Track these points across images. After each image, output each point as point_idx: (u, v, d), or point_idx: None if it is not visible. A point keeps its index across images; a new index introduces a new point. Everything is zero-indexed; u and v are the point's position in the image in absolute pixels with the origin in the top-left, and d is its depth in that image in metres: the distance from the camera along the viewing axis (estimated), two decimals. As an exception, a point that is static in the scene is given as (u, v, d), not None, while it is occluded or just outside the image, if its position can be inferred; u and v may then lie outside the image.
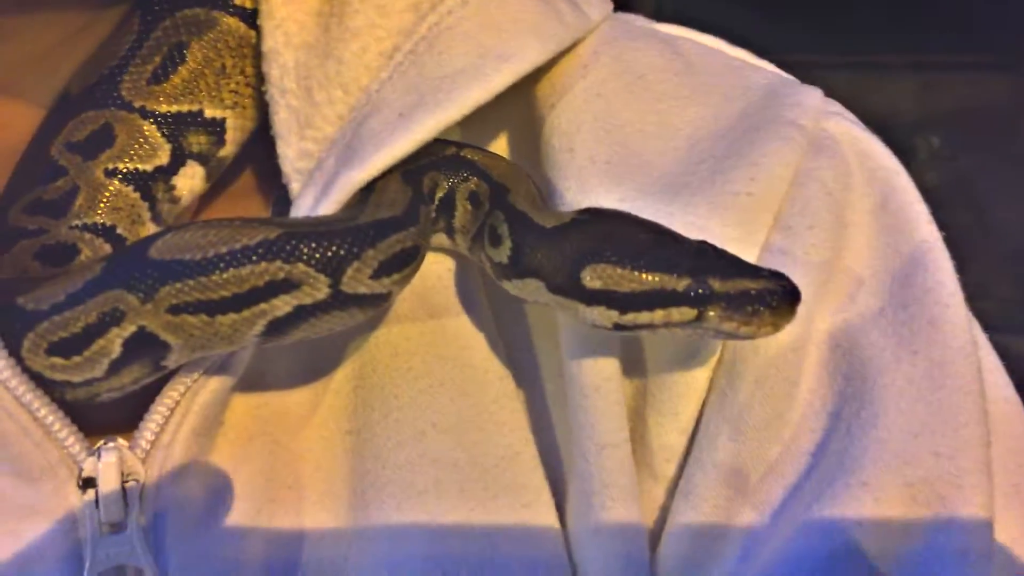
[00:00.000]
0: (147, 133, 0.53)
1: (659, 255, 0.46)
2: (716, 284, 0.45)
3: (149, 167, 0.53)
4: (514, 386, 0.54)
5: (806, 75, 0.59)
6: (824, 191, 0.52)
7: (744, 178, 0.52)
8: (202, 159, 0.54)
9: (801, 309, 0.48)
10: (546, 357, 0.55)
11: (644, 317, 0.46)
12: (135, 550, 0.46)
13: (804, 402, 0.50)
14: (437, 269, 0.54)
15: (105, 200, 0.52)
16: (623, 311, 0.46)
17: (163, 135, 0.53)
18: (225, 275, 0.42)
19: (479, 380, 0.53)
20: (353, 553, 0.51)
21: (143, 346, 0.44)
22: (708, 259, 0.46)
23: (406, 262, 0.46)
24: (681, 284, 0.45)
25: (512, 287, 0.49)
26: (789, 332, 0.49)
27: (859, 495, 0.46)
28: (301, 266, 0.43)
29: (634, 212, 0.50)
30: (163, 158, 0.53)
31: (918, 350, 0.49)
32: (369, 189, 0.48)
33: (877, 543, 0.45)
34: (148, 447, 0.47)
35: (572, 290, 0.47)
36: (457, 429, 0.52)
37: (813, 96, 0.56)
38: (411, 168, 0.50)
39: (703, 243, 0.47)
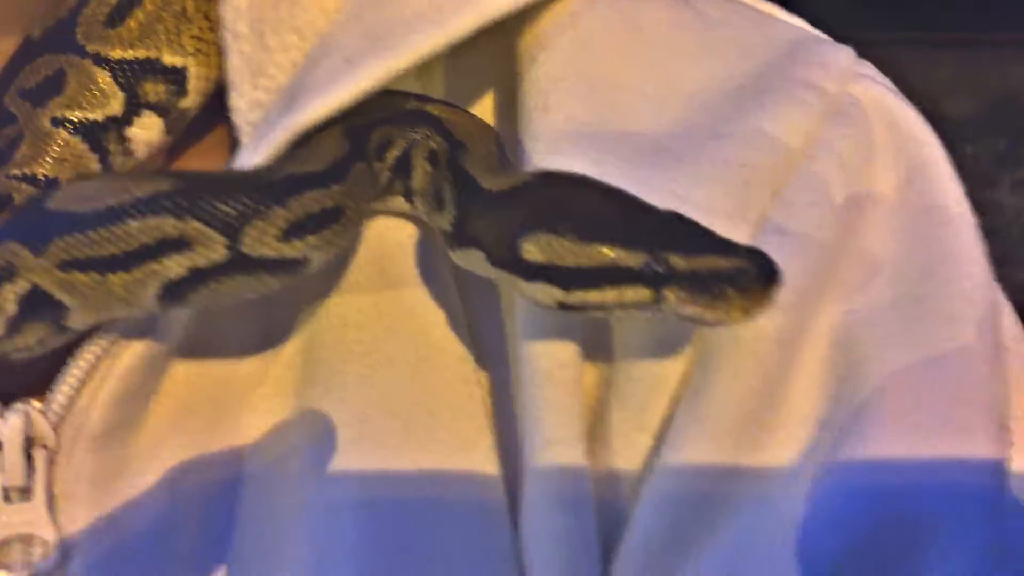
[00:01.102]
0: (99, 80, 0.50)
1: (613, 225, 0.40)
2: (677, 260, 0.39)
3: (99, 116, 0.50)
4: (474, 368, 0.49)
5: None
6: (838, 164, 0.45)
7: (740, 146, 0.45)
8: (161, 110, 0.51)
9: (793, 297, 0.42)
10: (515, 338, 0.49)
11: (592, 296, 0.40)
12: (40, 519, 0.43)
13: (792, 406, 0.43)
14: (397, 236, 0.49)
15: (50, 150, 0.49)
16: (567, 288, 0.40)
17: (117, 83, 0.50)
18: (112, 230, 0.38)
19: (434, 360, 0.48)
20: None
21: (39, 305, 0.41)
22: (673, 232, 0.40)
23: (325, 224, 0.41)
24: (635, 259, 0.39)
25: (457, 257, 0.44)
26: (776, 322, 0.42)
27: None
28: (194, 223, 0.39)
29: (605, 179, 0.44)
30: (116, 107, 0.50)
31: (927, 350, 0.41)
32: (305, 144, 0.43)
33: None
34: (62, 412, 0.44)
35: (512, 263, 0.41)
36: (405, 412, 0.47)
37: (842, 56, 0.49)
38: (360, 122, 0.45)
39: (674, 214, 0.41)
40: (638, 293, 0.39)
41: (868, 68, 0.49)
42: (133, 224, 0.38)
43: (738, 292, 0.38)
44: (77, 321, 0.42)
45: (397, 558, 0.45)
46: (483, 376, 0.49)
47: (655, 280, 0.39)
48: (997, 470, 0.41)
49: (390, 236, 0.49)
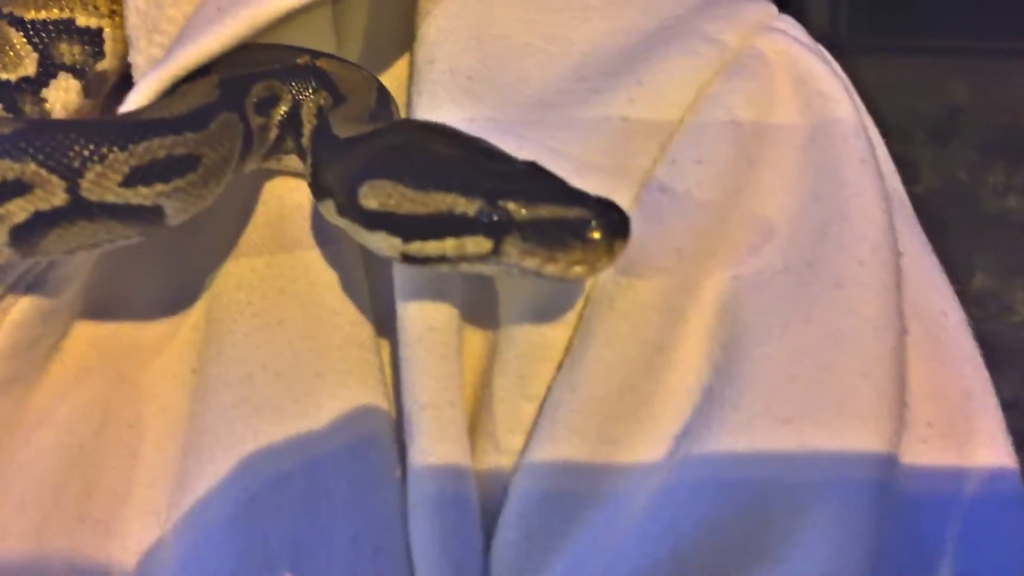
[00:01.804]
0: (13, 41, 0.50)
1: (454, 172, 0.38)
2: (516, 208, 0.37)
3: (12, 77, 0.50)
4: (372, 334, 0.47)
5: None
6: (728, 119, 0.42)
7: (622, 99, 0.43)
8: (77, 72, 0.51)
9: (675, 259, 0.39)
10: None
11: (432, 247, 0.38)
12: None
13: (674, 376, 0.41)
14: (297, 196, 0.49)
15: None
16: (407, 238, 0.38)
17: (31, 43, 0.51)
18: None
19: (326, 322, 0.47)
20: (171, 507, 0.46)
21: None
22: (521, 181, 0.38)
23: (177, 172, 0.41)
24: (472, 207, 0.37)
25: (321, 209, 0.43)
26: (655, 287, 0.40)
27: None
28: (32, 166, 0.38)
29: (483, 134, 0.42)
30: (29, 68, 0.51)
31: (812, 317, 0.38)
32: (175, 92, 0.43)
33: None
34: None
35: (353, 211, 0.40)
36: (290, 375, 0.46)
37: (753, 8, 0.46)
38: (241, 74, 0.44)
39: (530, 164, 0.39)
40: (478, 244, 0.37)
41: (784, 22, 0.46)
42: None
43: (580, 244, 0.36)
44: None
45: (274, 527, 0.44)
46: (385, 344, 0.48)
47: (494, 229, 0.37)
48: (880, 460, 0.37)
49: (289, 197, 0.49)
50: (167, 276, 0.49)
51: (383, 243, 0.39)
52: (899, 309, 0.39)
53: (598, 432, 0.41)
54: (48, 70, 0.51)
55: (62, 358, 0.47)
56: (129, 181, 0.40)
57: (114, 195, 0.40)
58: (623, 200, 0.42)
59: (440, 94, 0.45)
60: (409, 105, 0.46)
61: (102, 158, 0.39)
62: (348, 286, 0.48)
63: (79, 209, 0.39)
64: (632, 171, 0.42)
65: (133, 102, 0.42)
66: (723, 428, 0.38)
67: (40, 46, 0.51)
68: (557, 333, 0.43)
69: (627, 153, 0.42)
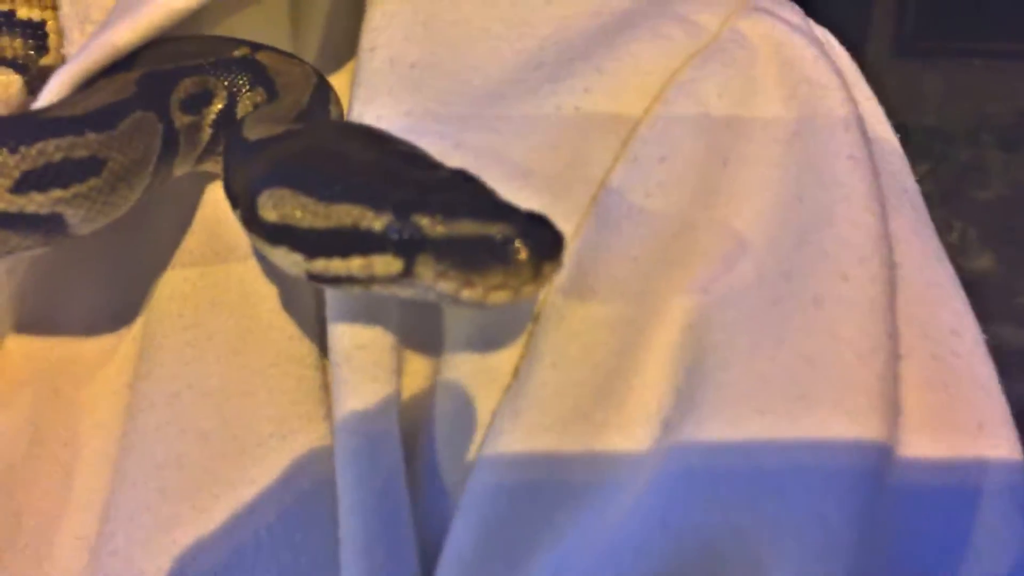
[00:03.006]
0: None
1: (363, 181, 0.33)
2: (429, 224, 0.31)
3: None
4: (312, 350, 0.43)
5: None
6: (699, 111, 0.37)
7: (577, 88, 0.38)
8: (19, 67, 0.48)
9: (634, 275, 0.34)
10: None
11: (337, 266, 0.33)
12: None
13: (633, 401, 0.35)
14: None
15: None
16: (309, 255, 0.34)
17: None
18: None
19: (259, 337, 0.43)
20: (99, 534, 0.42)
21: None
22: (440, 191, 0.33)
23: (77, 176, 0.37)
24: (379, 221, 0.32)
25: (237, 221, 0.39)
26: (610, 304, 0.35)
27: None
28: None
29: (421, 128, 0.37)
30: None
31: (785, 338, 0.33)
32: (87, 89, 0.39)
33: None
34: None
35: (254, 223, 0.35)
36: (219, 394, 0.42)
37: None
38: (166, 68, 0.40)
39: (457, 173, 0.34)
40: (387, 263, 0.32)
41: (775, 2, 0.41)
42: None
43: (502, 265, 0.30)
44: None
45: (191, 561, 0.40)
46: (327, 362, 0.43)
47: (405, 247, 0.32)
48: (864, 505, 0.31)
49: (226, 203, 0.45)
50: (108, 285, 0.46)
51: (286, 260, 0.35)
52: (891, 330, 0.33)
53: (547, 457, 0.35)
54: None
55: None
56: (21, 187, 0.36)
57: (4, 202, 0.36)
58: (574, 206, 0.37)
59: (378, 85, 0.40)
60: (350, 100, 0.41)
61: None
62: (288, 298, 0.44)
63: None
64: (587, 172, 0.37)
65: (45, 99, 0.39)
66: (684, 433, 0.33)
67: None
68: (504, 356, 0.38)
69: (581, 151, 0.37)
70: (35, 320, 0.44)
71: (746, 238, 0.36)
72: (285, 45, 0.47)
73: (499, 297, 0.31)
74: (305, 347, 0.43)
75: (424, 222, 0.31)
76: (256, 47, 0.43)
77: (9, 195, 0.36)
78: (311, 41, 0.48)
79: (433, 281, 0.32)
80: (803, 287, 0.34)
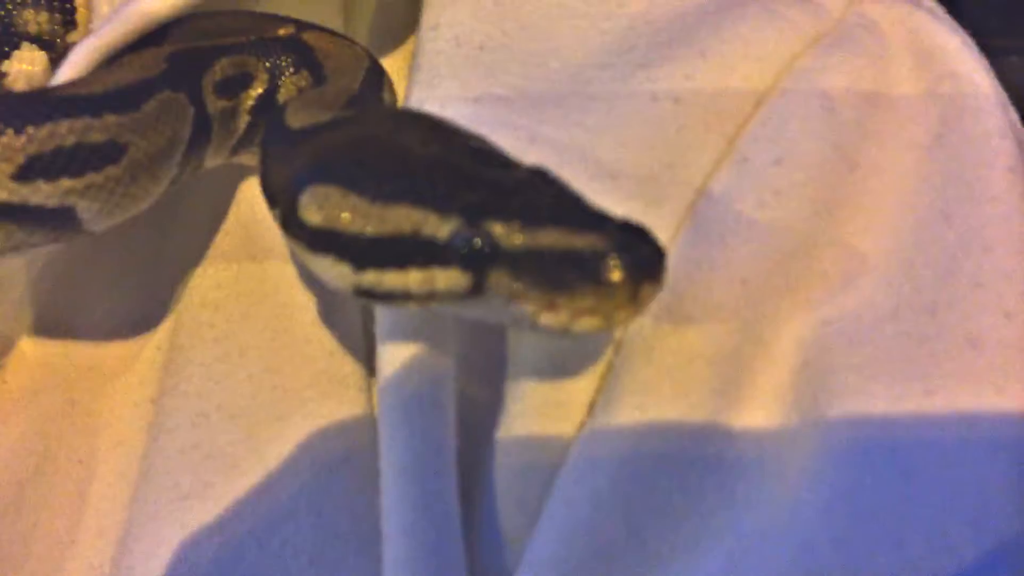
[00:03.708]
0: None
1: (426, 179, 0.28)
2: (505, 233, 0.26)
3: None
4: (357, 368, 0.39)
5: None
6: (821, 105, 0.31)
7: (676, 75, 0.32)
8: (44, 43, 0.44)
9: (739, 299, 0.28)
10: None
11: (392, 280, 0.28)
12: None
13: (732, 456, 0.30)
14: None
15: None
16: (359, 266, 0.28)
17: None
18: None
19: (295, 355, 0.38)
20: (114, 565, 0.38)
21: None
22: (517, 194, 0.27)
23: (91, 164, 0.31)
24: (445, 228, 0.26)
25: (275, 221, 0.33)
26: (709, 333, 0.29)
27: None
28: None
29: (491, 119, 0.32)
30: None
31: (934, 389, 0.27)
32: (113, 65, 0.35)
33: None
34: None
35: (294, 225, 0.30)
36: (249, 415, 0.38)
37: None
38: (202, 45, 0.35)
39: (538, 172, 0.28)
40: (452, 278, 0.27)
41: None
42: None
43: (592, 286, 0.25)
44: None
45: None
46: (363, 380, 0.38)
47: (474, 260, 0.26)
48: None
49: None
50: (131, 286, 0.42)
51: (331, 271, 0.29)
52: None
53: (625, 522, 0.30)
54: (9, 39, 0.44)
55: (3, 378, 0.40)
56: (25, 174, 0.31)
57: (6, 191, 0.31)
58: (669, 215, 0.31)
59: (441, 68, 0.35)
60: (407, 84, 0.36)
61: None
62: (330, 309, 0.39)
63: None
64: (684, 174, 0.32)
65: (63, 75, 0.34)
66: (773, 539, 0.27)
67: (1, 11, 0.43)
68: (577, 388, 0.32)
69: (678, 149, 0.32)
70: (52, 322, 0.41)
71: (877, 260, 0.30)
72: (336, 24, 0.42)
73: (587, 324, 0.26)
74: (348, 366, 0.38)
75: (498, 230, 0.26)
76: (302, 26, 0.38)
77: (12, 183, 0.31)
78: (362, 17, 0.43)
79: (507, 301, 0.26)
80: (954, 325, 0.28)
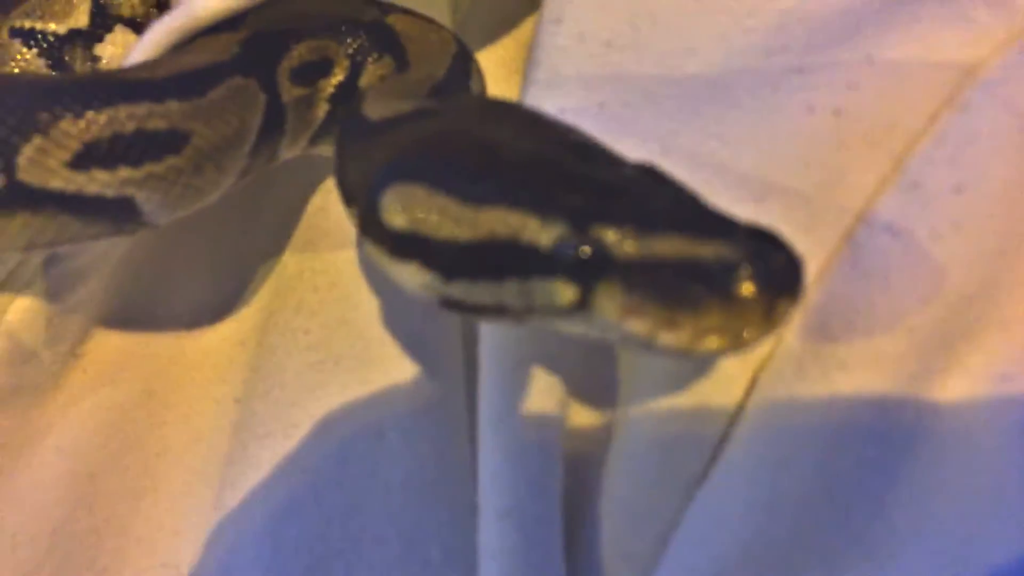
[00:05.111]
0: None
1: (523, 178, 0.24)
2: (618, 239, 0.22)
3: (62, 29, 0.42)
4: (456, 390, 0.35)
5: None
6: (1012, 123, 0.26)
7: (838, 82, 0.28)
8: (137, 26, 0.42)
9: (904, 343, 0.24)
10: None
11: (485, 292, 0.24)
12: None
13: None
14: None
15: (2, 65, 0.42)
16: (447, 275, 0.25)
17: None
18: None
19: (391, 368, 0.35)
20: (194, 568, 0.36)
21: None
22: (628, 196, 0.23)
23: (150, 153, 0.29)
24: (548, 234, 0.23)
25: (350, 221, 0.30)
26: (859, 380, 0.24)
27: None
28: None
29: (619, 126, 0.28)
30: (81, 19, 0.42)
31: None
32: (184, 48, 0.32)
33: None
34: None
35: (375, 229, 0.26)
36: (341, 429, 0.36)
37: None
38: (279, 29, 0.32)
39: (649, 170, 0.24)
40: (555, 291, 0.23)
41: None
42: None
43: (719, 301, 0.21)
44: None
45: None
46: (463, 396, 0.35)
47: (582, 271, 0.23)
48: None
49: None
50: (215, 279, 0.40)
51: (415, 280, 0.26)
52: None
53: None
54: (103, 22, 0.42)
55: (82, 366, 0.39)
56: (81, 161, 0.28)
57: (61, 179, 0.28)
58: (820, 243, 0.26)
59: (563, 67, 0.31)
60: (523, 82, 0.32)
61: (44, 127, 0.28)
62: (427, 317, 0.36)
63: (17, 196, 0.29)
64: (843, 197, 0.27)
65: (132, 58, 0.32)
66: None
67: None
68: (703, 428, 0.28)
69: (838, 168, 0.27)
70: (132, 311, 0.39)
71: None
72: (442, 6, 0.39)
73: (712, 344, 0.22)
74: (446, 383, 0.35)
75: (610, 237, 0.22)
76: (388, 8, 0.35)
77: (67, 171, 0.28)
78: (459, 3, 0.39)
79: (620, 318, 0.23)
80: None
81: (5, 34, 0.42)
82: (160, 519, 0.37)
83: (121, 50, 0.43)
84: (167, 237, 0.39)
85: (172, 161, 0.30)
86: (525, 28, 0.39)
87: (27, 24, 0.42)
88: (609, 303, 0.23)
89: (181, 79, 0.29)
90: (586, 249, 0.22)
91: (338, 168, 0.30)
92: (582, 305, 0.23)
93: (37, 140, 0.28)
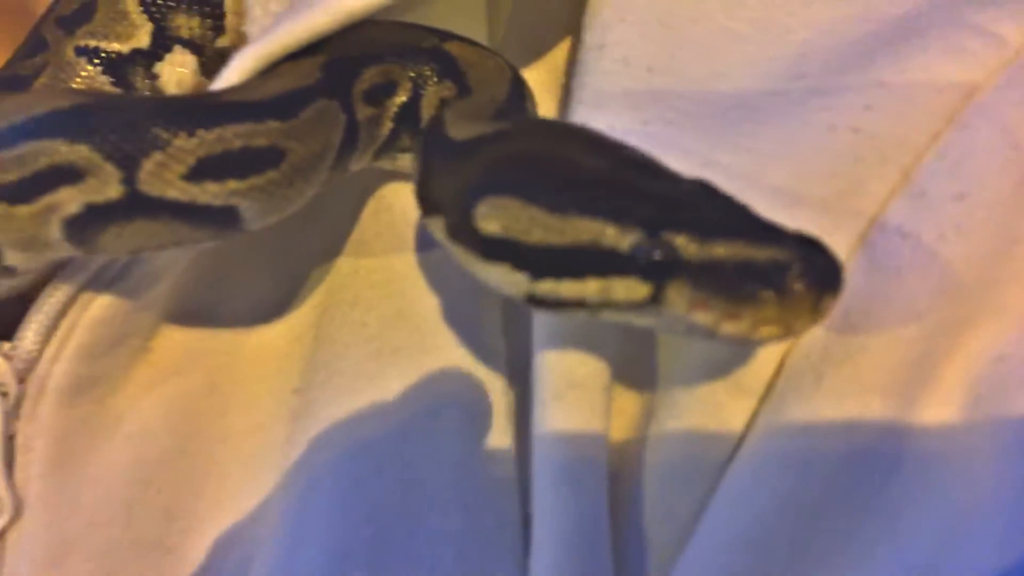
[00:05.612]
0: (128, 8, 0.45)
1: (600, 192, 0.29)
2: (685, 244, 0.27)
3: (125, 49, 0.45)
4: (494, 375, 0.39)
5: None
6: (1004, 140, 0.31)
7: (856, 105, 0.32)
8: (194, 47, 0.45)
9: (913, 330, 0.28)
10: None
11: (569, 289, 0.29)
12: None
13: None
14: None
15: (69, 81, 0.45)
16: (536, 275, 0.29)
17: (146, 13, 0.45)
18: (9, 152, 0.32)
19: (443, 357, 0.39)
20: (259, 545, 0.39)
21: None
22: (690, 207, 0.28)
23: (255, 167, 0.33)
24: (626, 239, 0.28)
25: (429, 228, 0.34)
26: (878, 363, 0.29)
27: None
28: (85, 149, 0.31)
29: (663, 142, 0.32)
30: (143, 40, 0.45)
31: None
32: (271, 72, 0.35)
33: None
34: (29, 359, 0.39)
35: (467, 235, 0.31)
36: (402, 422, 0.38)
37: None
38: (352, 55, 0.36)
39: (702, 185, 0.29)
40: (631, 288, 0.28)
41: None
42: (26, 146, 0.32)
43: (774, 296, 0.26)
44: (14, 260, 0.36)
45: None
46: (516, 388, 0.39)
47: (654, 271, 0.28)
48: None
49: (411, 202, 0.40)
50: (274, 276, 0.43)
51: (505, 279, 0.30)
52: None
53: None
54: (163, 43, 0.45)
55: (151, 359, 0.42)
56: (195, 175, 0.32)
57: (177, 190, 0.32)
58: (841, 242, 0.31)
59: (609, 89, 0.35)
60: (567, 102, 0.36)
61: (163, 144, 0.31)
62: (473, 310, 0.39)
63: (137, 205, 0.32)
64: (859, 203, 0.31)
65: (225, 80, 0.35)
66: None
67: (156, 16, 0.45)
68: (737, 406, 0.32)
69: (856, 178, 0.31)
70: (195, 309, 0.42)
71: None
72: (480, 35, 0.43)
73: (768, 332, 0.27)
74: (493, 369, 0.38)
75: (679, 241, 0.27)
76: (445, 36, 0.39)
77: (183, 183, 0.32)
78: (505, 29, 0.43)
79: (687, 311, 0.28)
80: None
81: (71, 52, 0.45)
82: (223, 501, 0.40)
83: (180, 69, 0.46)
84: (225, 245, 0.42)
85: (271, 175, 0.33)
86: (554, 54, 0.43)
87: (91, 43, 0.45)
88: (679, 298, 0.28)
89: (277, 101, 0.33)
90: (658, 252, 0.27)
91: (422, 183, 0.34)
92: (654, 300, 0.28)
93: (157, 156, 0.31)
